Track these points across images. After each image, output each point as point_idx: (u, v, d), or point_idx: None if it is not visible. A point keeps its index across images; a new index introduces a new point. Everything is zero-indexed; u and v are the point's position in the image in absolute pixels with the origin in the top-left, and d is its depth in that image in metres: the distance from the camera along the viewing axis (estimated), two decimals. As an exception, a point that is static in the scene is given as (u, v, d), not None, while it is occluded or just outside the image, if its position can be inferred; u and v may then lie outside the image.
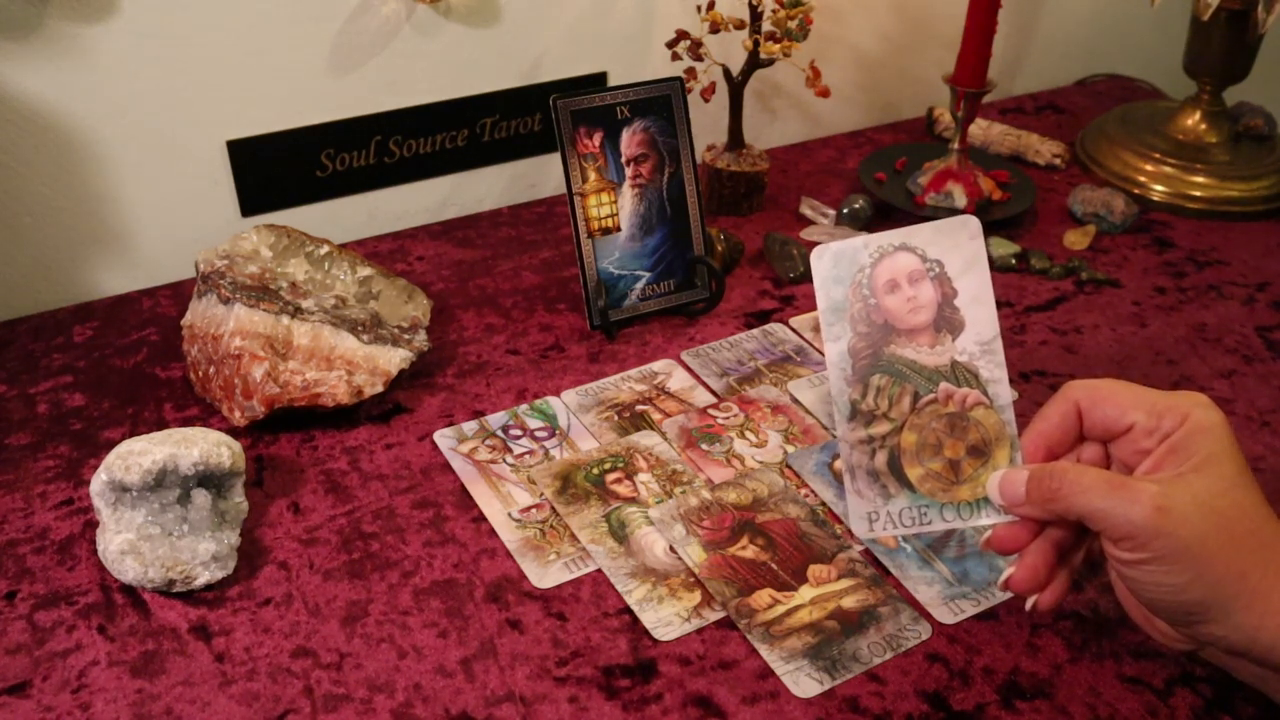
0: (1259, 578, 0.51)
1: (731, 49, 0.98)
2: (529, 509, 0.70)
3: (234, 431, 0.75)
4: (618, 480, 0.72)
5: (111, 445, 0.67)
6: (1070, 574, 0.57)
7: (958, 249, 0.59)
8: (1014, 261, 0.95)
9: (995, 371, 0.58)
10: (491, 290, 0.91)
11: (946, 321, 0.59)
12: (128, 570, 0.64)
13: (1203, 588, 0.51)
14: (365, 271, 0.83)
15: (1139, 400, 0.55)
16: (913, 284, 0.59)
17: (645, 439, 0.76)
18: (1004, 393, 0.58)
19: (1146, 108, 1.14)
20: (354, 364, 0.76)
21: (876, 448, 0.57)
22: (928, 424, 0.58)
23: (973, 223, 0.59)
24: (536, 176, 1.04)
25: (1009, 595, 0.64)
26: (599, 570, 0.66)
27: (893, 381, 0.58)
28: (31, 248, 0.88)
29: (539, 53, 0.99)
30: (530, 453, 0.75)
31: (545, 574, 0.66)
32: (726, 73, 0.97)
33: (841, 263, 0.59)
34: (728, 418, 0.78)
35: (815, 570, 0.66)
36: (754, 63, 0.96)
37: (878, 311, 0.59)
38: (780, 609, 0.63)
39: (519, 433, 0.76)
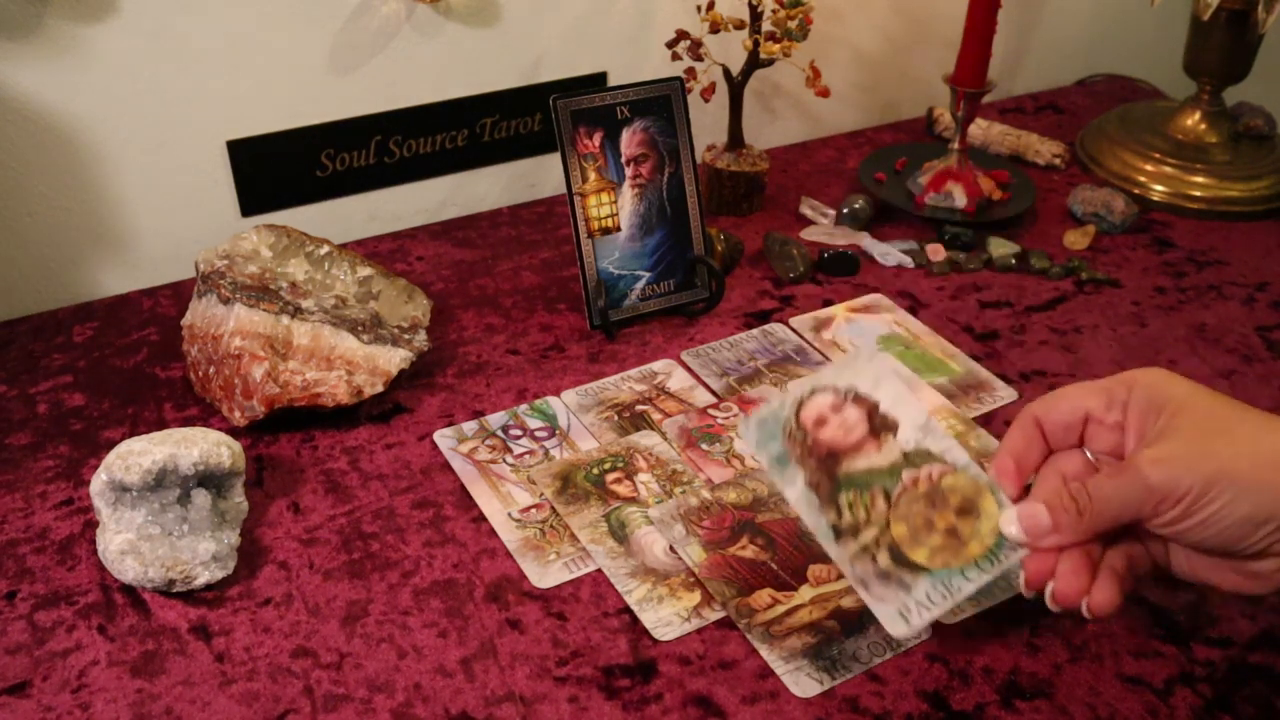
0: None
1: (731, 49, 0.98)
2: (529, 509, 0.70)
3: (234, 431, 0.75)
4: (618, 480, 0.72)
5: (111, 445, 0.67)
6: (1115, 573, 0.56)
7: (861, 373, 0.63)
8: (1014, 261, 0.95)
9: (943, 441, 0.60)
10: (491, 290, 0.91)
11: (882, 425, 0.61)
12: (128, 570, 0.64)
13: (1246, 494, 0.51)
14: (365, 271, 0.83)
15: (1086, 389, 0.57)
16: (837, 412, 0.62)
17: (645, 439, 0.76)
18: (959, 454, 0.60)
19: (1146, 108, 1.14)
20: (354, 364, 0.76)
21: (875, 552, 0.58)
22: (909, 510, 0.59)
23: (866, 348, 0.64)
24: (536, 176, 1.04)
25: (1009, 595, 0.64)
26: (599, 570, 0.66)
27: (860, 492, 0.60)
28: (31, 248, 0.88)
29: (539, 53, 0.99)
30: (530, 453, 0.75)
31: (545, 574, 0.66)
32: (726, 73, 0.97)
33: (765, 426, 0.62)
34: (728, 418, 0.78)
35: (815, 570, 0.66)
36: (754, 63, 0.96)
37: (818, 445, 0.61)
38: (780, 609, 0.63)
39: (519, 433, 0.76)
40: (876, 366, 0.63)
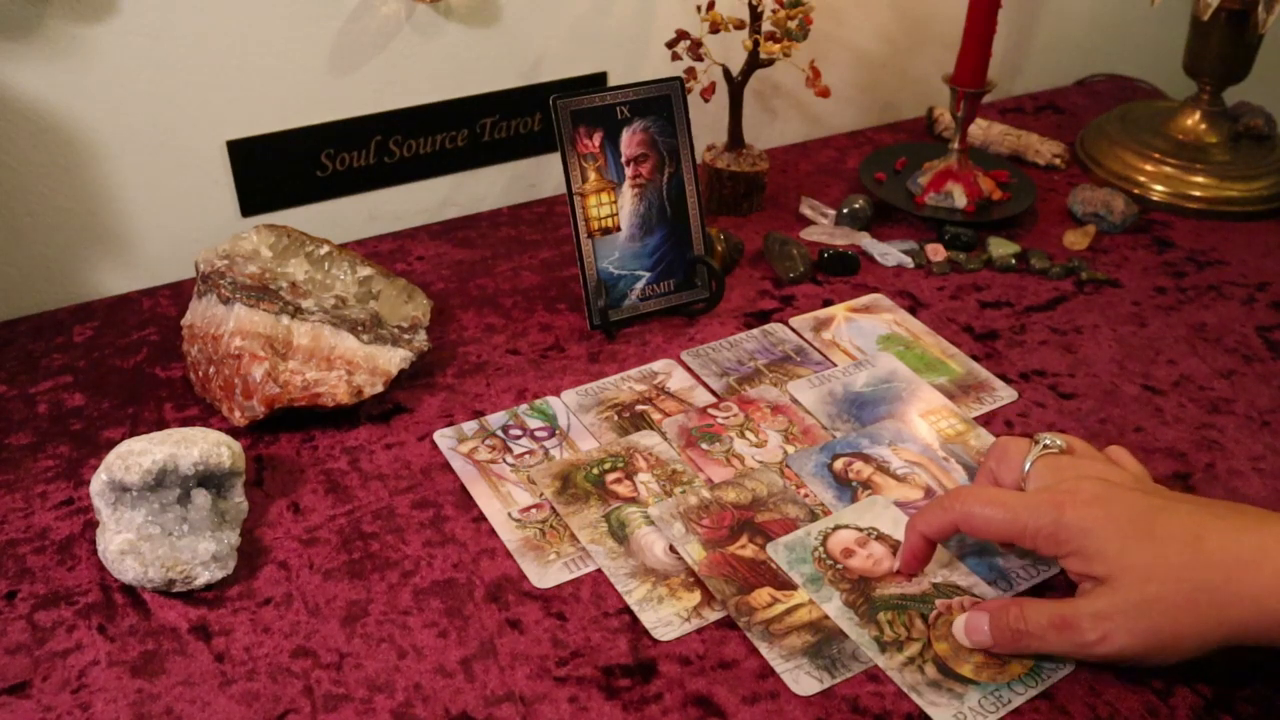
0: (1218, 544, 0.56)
1: (731, 49, 0.98)
2: (529, 509, 0.70)
3: (234, 431, 0.75)
4: (617, 480, 0.72)
5: (111, 445, 0.67)
6: None
7: (881, 517, 0.69)
8: (1014, 261, 0.95)
9: (969, 577, 0.65)
10: (491, 290, 0.91)
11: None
12: (128, 570, 0.64)
13: (1177, 650, 0.56)
14: (365, 271, 0.83)
15: (1009, 515, 0.59)
16: (863, 547, 0.67)
17: (645, 439, 0.76)
18: (985, 588, 0.64)
19: (1146, 108, 1.14)
20: (354, 364, 0.76)
21: (921, 664, 0.60)
22: (948, 632, 0.62)
23: (881, 500, 0.70)
24: (536, 176, 1.04)
25: (1008, 595, 0.64)
26: (599, 570, 0.66)
27: (898, 613, 0.63)
28: (31, 248, 0.88)
29: (539, 53, 0.99)
30: (530, 453, 0.75)
31: (545, 574, 0.66)
32: (726, 73, 0.97)
33: (795, 549, 0.67)
34: (727, 417, 0.78)
35: (815, 570, 0.66)
36: (754, 63, 0.96)
37: (850, 570, 0.65)
38: (780, 607, 0.63)
39: (519, 433, 0.76)
40: (894, 513, 0.69)
